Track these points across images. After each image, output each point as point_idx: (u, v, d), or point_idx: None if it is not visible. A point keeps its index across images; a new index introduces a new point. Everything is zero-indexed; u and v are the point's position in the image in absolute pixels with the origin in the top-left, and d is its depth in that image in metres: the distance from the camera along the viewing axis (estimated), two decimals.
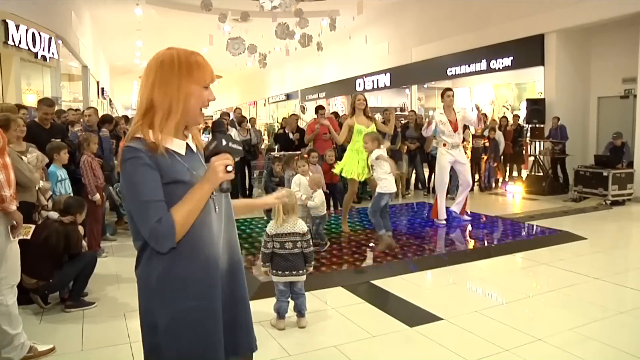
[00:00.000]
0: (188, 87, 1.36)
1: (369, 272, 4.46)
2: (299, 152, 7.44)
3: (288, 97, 22.91)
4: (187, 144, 1.43)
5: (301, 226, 3.33)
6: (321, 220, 5.07)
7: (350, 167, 5.63)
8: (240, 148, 1.37)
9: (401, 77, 14.54)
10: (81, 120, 6.53)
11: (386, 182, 4.99)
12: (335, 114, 9.99)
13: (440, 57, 12.58)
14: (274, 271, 3.34)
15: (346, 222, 6.03)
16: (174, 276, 1.34)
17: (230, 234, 1.48)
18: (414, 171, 9.26)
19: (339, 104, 18.52)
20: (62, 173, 4.74)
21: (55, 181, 4.57)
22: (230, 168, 1.30)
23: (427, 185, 9.24)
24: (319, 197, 4.99)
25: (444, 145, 6.35)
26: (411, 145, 9.00)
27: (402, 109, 15.60)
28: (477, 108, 6.40)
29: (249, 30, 13.12)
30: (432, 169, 8.99)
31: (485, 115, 10.62)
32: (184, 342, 1.35)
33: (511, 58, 10.72)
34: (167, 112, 1.36)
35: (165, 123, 1.36)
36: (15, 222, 2.80)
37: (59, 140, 5.04)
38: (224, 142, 1.32)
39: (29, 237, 3.41)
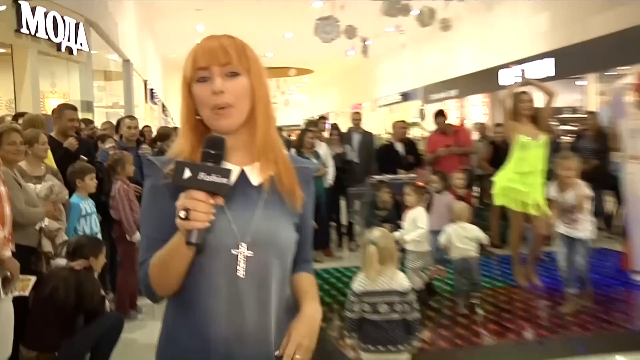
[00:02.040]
0: (183, 90, 1.56)
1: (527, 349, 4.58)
2: (412, 176, 7.75)
3: (405, 97, 23.26)
4: (244, 172, 1.56)
5: (401, 281, 3.45)
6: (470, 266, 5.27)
7: (514, 193, 5.83)
8: (222, 182, 1.36)
9: (571, 62, 13.68)
10: (115, 134, 6.94)
11: (587, 223, 5.20)
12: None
13: (637, 27, 11.53)
14: (363, 345, 3.43)
15: (522, 270, 6.18)
16: (170, 344, 1.56)
17: (266, 319, 1.53)
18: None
19: (476, 105, 18.28)
20: (88, 205, 4.94)
21: (77, 217, 4.76)
22: (183, 214, 1.33)
23: (610, 221, 8.84)
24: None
25: (637, 159, 6.27)
26: (589, 163, 8.12)
27: (574, 110, 14.72)
28: None
29: (347, 7, 13.00)
30: (619, 197, 8.33)
31: None
32: None
33: None
34: (182, 122, 1.59)
35: (189, 135, 1.56)
36: (9, 274, 2.90)
37: (85, 160, 5.27)
38: (187, 174, 1.36)
39: (26, 293, 3.53)
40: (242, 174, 1.57)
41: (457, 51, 18.69)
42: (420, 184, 6.46)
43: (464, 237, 5.27)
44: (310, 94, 37.96)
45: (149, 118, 18.13)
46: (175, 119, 37.58)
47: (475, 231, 5.31)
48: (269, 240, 1.51)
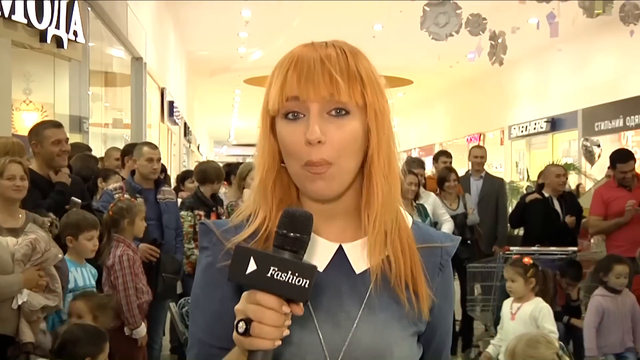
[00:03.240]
0: (263, 123, 1.64)
1: None
2: (573, 249, 7.99)
3: (553, 125, 23.21)
4: (342, 252, 1.62)
5: None
6: None
7: None
8: (303, 285, 1.39)
9: None
10: (121, 169, 7.24)
11: None
12: None
13: None
14: None
15: None
16: None
17: None
18: None
19: None
20: (83, 276, 5.16)
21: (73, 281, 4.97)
22: (242, 327, 1.37)
23: None
24: None
25: None
26: None
27: None
28: None
29: None
30: None
31: None
32: None
33: None
34: (259, 168, 1.65)
35: (269, 190, 1.63)
36: None
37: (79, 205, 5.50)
38: (252, 267, 1.39)
39: None
40: (340, 254, 1.60)
41: None
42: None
43: None
44: (406, 115, 37.94)
45: (165, 144, 18.26)
46: (203, 147, 38.43)
47: None
48: None
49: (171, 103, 18.56)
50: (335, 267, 1.59)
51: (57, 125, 5.77)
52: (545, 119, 23.14)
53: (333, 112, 1.51)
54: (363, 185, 1.58)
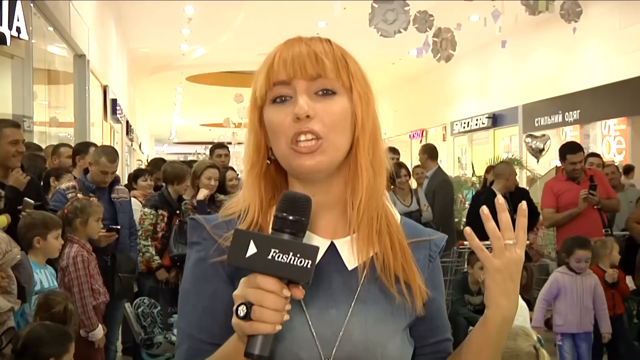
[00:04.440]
0: (251, 118, 1.65)
1: None
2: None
3: (495, 121, 23.59)
4: (334, 249, 1.63)
5: None
6: None
7: None
8: (305, 265, 1.38)
9: None
10: (73, 168, 7.17)
11: None
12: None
13: None
14: None
15: None
16: None
17: None
18: None
19: (609, 136, 18.31)
20: (46, 277, 5.06)
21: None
22: (243, 311, 1.36)
23: None
24: None
25: None
26: None
27: None
28: None
29: None
30: None
31: None
32: None
33: None
34: (247, 163, 1.66)
35: (257, 183, 1.65)
36: None
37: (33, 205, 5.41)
38: (252, 250, 1.40)
39: None
40: (332, 251, 1.62)
41: (583, 51, 18.48)
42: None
43: None
44: None
45: (107, 143, 18.03)
46: (144, 146, 38.11)
47: None
48: (366, 356, 1.54)
49: (114, 101, 18.39)
50: (327, 263, 1.60)
51: (16, 125, 5.75)
52: (487, 115, 23.54)
53: (320, 93, 1.54)
54: (348, 172, 1.60)
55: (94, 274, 5.51)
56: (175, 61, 24.09)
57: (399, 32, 11.45)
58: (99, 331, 5.44)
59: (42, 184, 6.65)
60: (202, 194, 6.97)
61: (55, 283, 5.18)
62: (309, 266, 1.37)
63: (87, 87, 13.95)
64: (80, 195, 6.06)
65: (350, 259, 1.62)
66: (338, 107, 1.54)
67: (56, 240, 5.09)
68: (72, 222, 5.56)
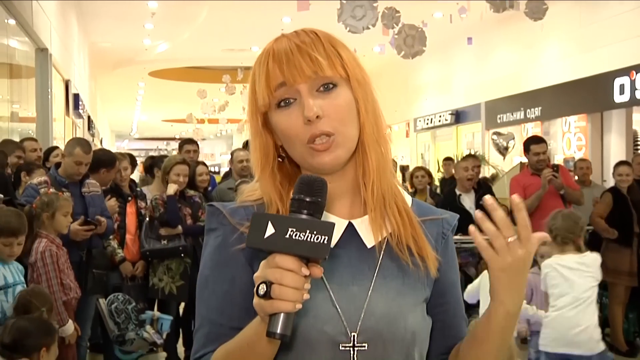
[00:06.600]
0: (253, 124, 1.68)
1: None
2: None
3: (457, 118, 23.50)
4: (352, 228, 1.67)
5: None
6: None
7: None
8: (322, 242, 1.40)
9: None
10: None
11: None
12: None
13: None
14: None
15: None
16: None
17: None
18: None
19: (569, 133, 18.43)
20: (11, 272, 4.92)
21: None
22: (263, 290, 1.39)
23: None
24: None
25: None
26: None
27: None
28: None
29: None
30: None
31: None
32: None
33: None
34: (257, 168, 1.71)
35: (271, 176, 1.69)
36: None
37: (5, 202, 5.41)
38: (270, 231, 1.43)
39: None
40: (351, 230, 1.66)
41: (543, 50, 18.60)
42: None
43: None
44: None
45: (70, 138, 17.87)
46: (106, 141, 37.75)
47: None
48: (390, 328, 1.59)
49: (76, 96, 18.05)
50: (347, 242, 1.64)
51: None
52: (450, 112, 23.41)
53: (321, 89, 1.57)
54: (358, 155, 1.64)
55: (64, 268, 5.44)
56: (138, 56, 23.80)
57: (368, 28, 11.45)
58: (70, 326, 5.36)
59: (12, 179, 6.59)
60: (172, 188, 6.91)
61: (22, 277, 5.05)
62: (325, 242, 1.39)
63: (49, 82, 13.70)
64: (51, 190, 5.99)
65: (369, 237, 1.66)
66: (342, 100, 1.58)
67: (9, 247, 4.83)
68: (39, 216, 5.48)
